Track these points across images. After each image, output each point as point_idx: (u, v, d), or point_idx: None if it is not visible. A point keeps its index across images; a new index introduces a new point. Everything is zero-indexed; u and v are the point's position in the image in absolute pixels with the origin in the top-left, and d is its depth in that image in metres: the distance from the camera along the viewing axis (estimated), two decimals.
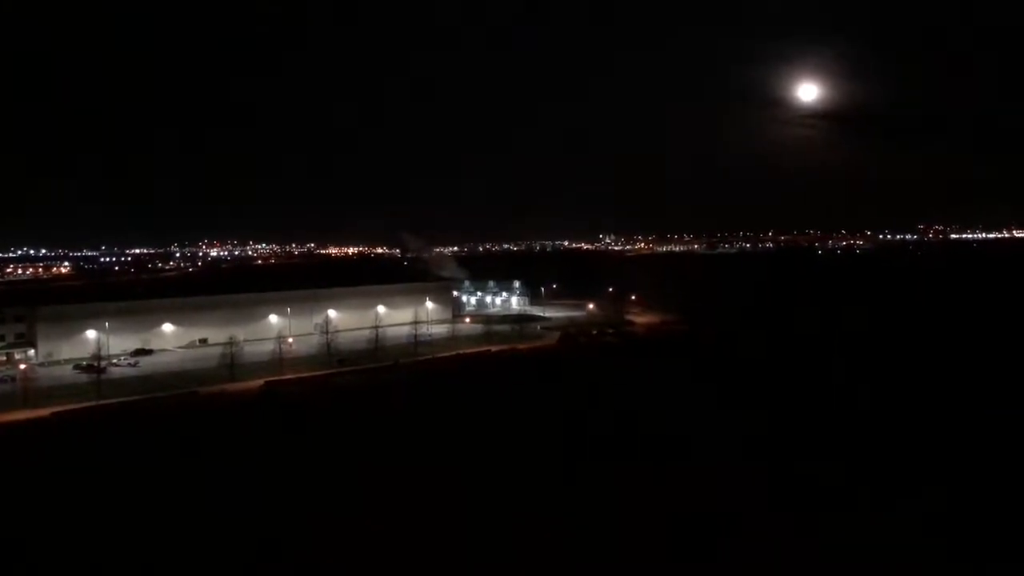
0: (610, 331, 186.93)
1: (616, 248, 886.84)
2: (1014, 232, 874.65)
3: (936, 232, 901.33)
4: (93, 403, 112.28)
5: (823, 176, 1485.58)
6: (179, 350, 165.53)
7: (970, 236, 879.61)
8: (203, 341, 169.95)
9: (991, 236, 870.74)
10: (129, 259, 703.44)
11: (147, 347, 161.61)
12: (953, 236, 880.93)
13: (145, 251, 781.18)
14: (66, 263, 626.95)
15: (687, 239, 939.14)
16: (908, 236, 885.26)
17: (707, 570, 53.87)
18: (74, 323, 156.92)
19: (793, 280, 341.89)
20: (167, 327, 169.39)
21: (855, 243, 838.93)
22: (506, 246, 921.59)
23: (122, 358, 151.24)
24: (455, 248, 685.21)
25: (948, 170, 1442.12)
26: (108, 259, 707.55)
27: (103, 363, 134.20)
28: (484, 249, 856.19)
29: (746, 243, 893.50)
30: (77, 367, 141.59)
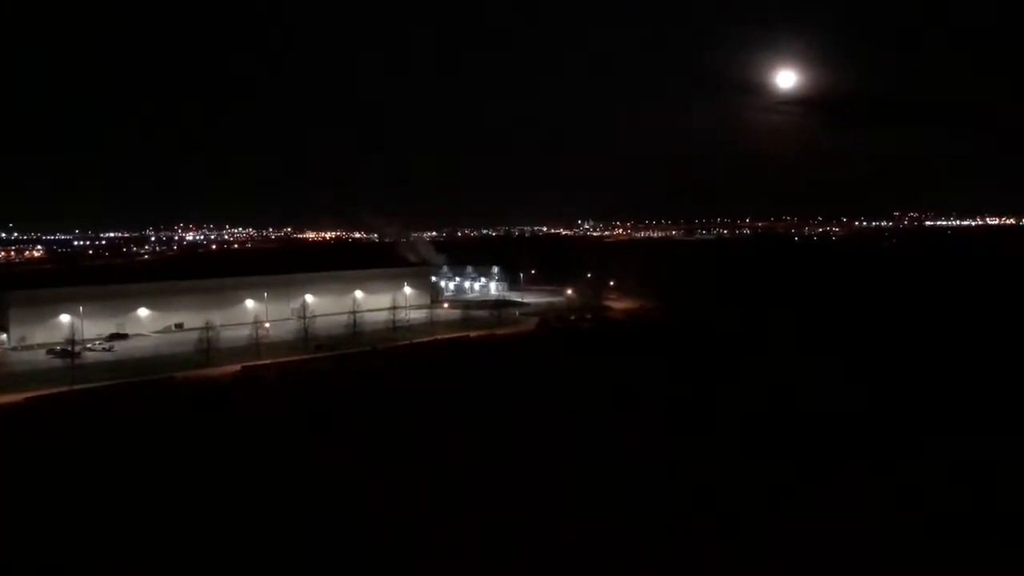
0: (588, 316, 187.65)
1: (594, 234, 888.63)
2: (987, 219, 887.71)
3: (911, 219, 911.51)
4: (67, 388, 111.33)
5: (800, 163, 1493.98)
6: (155, 335, 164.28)
7: (944, 223, 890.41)
8: (179, 326, 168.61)
9: (965, 223, 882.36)
10: (103, 243, 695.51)
11: (122, 332, 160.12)
12: (928, 223, 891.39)
13: (120, 235, 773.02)
14: (39, 247, 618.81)
15: (665, 225, 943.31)
16: (884, 223, 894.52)
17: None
18: (47, 307, 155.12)
19: (770, 266, 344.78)
20: (142, 312, 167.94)
21: (831, 230, 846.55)
22: (484, 231, 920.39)
23: (97, 343, 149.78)
24: (433, 233, 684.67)
25: (925, 157, 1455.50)
26: (82, 243, 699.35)
27: (77, 348, 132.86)
28: (462, 234, 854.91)
29: (723, 229, 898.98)
30: (51, 352, 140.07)
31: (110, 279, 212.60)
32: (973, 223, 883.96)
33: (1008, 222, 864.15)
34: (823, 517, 59.77)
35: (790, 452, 76.77)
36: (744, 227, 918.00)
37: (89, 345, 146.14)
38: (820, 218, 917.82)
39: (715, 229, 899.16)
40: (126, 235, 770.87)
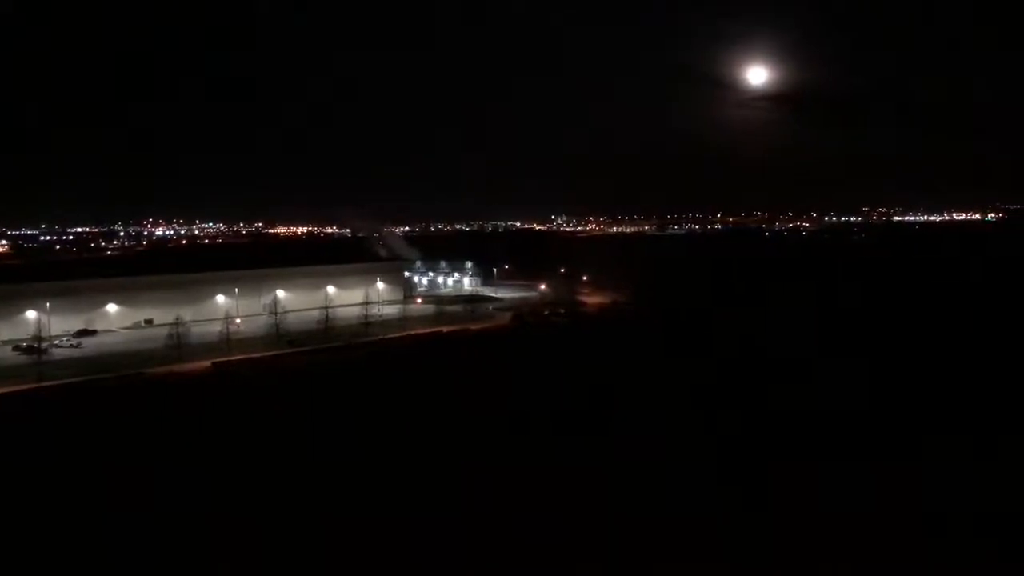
0: (561, 311, 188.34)
1: (568, 229, 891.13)
2: (953, 215, 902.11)
3: (880, 215, 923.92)
4: (34, 385, 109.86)
5: (771, 159, 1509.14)
6: (124, 331, 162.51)
7: (912, 219, 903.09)
8: (149, 322, 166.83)
9: (933, 219, 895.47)
10: (71, 238, 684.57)
11: (90, 327, 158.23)
12: (896, 219, 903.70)
13: (88, 230, 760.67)
14: (4, 241, 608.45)
15: (638, 220, 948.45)
16: (853, 218, 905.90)
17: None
18: (13, 303, 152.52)
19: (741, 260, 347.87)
20: (111, 307, 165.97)
21: (801, 225, 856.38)
22: (458, 226, 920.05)
23: (64, 339, 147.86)
24: (406, 228, 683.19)
25: (892, 153, 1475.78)
26: (49, 238, 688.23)
27: (44, 344, 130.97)
28: (435, 229, 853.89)
29: (695, 225, 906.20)
30: (16, 348, 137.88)
31: (78, 274, 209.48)
32: (939, 219, 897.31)
33: (974, 217, 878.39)
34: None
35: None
36: (715, 222, 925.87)
37: (56, 341, 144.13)
38: (791, 213, 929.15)
39: (687, 224, 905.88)
40: (94, 230, 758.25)
